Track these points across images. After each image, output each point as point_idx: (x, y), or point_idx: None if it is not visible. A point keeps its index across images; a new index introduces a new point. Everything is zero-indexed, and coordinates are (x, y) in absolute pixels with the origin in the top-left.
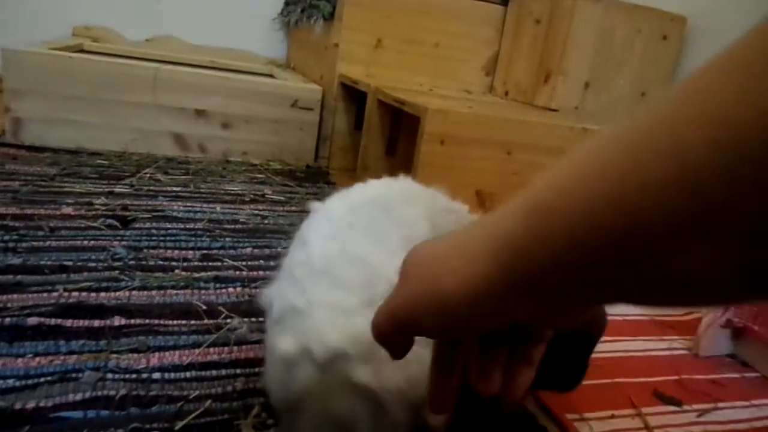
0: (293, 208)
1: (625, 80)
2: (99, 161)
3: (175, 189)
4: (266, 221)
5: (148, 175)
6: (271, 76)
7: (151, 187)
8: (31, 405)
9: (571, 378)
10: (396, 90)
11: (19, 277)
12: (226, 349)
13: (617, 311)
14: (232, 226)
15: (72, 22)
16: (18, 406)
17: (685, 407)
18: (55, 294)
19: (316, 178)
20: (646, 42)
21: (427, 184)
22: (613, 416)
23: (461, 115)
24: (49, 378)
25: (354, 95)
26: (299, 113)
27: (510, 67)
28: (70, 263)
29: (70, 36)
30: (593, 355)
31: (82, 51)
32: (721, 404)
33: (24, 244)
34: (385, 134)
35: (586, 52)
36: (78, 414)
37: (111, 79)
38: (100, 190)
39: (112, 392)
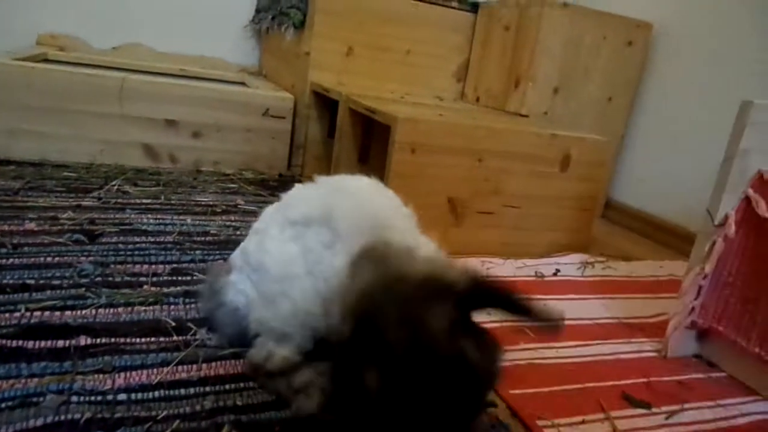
0: None
1: (593, 86)
2: (65, 174)
3: (144, 201)
4: (238, 232)
5: (116, 187)
6: (243, 84)
7: (119, 200)
8: None
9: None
10: (367, 98)
11: None
12: (194, 366)
13: (588, 315)
14: (203, 239)
15: (37, 30)
16: None
17: (654, 410)
18: (17, 314)
19: (289, 187)
20: (612, 48)
21: (399, 192)
22: (583, 422)
23: (431, 124)
24: (9, 403)
25: (326, 103)
26: (271, 122)
27: (481, 73)
28: (33, 281)
29: (34, 44)
30: (566, 360)
31: (47, 60)
32: (687, 405)
33: None
34: (357, 142)
35: (554, 58)
36: None
37: (76, 90)
38: (66, 203)
39: (77, 416)
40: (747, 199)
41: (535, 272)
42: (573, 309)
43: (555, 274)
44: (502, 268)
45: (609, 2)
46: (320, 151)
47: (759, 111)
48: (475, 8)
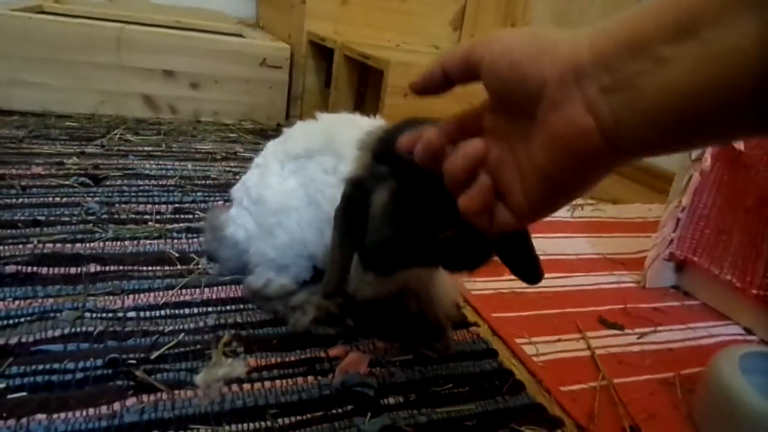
0: None
1: (588, 26)
2: (68, 123)
3: (146, 149)
4: (237, 177)
5: (118, 136)
6: (240, 35)
7: (122, 147)
8: (13, 340)
9: (533, 267)
10: (362, 45)
11: None
12: (197, 290)
13: (573, 251)
14: (204, 182)
15: None
16: (1, 341)
17: (627, 331)
18: (30, 246)
19: None
20: None
21: None
22: (559, 340)
23: (423, 68)
24: (29, 318)
25: (323, 54)
26: (268, 72)
27: (477, 20)
28: (43, 218)
29: None
30: (548, 289)
31: (42, 12)
32: (660, 328)
33: None
34: (353, 90)
35: (548, 1)
36: (58, 347)
37: (74, 41)
38: (71, 151)
39: (90, 328)
40: None
41: None
42: (559, 246)
43: None
44: None
45: None
46: (318, 101)
47: None
48: None
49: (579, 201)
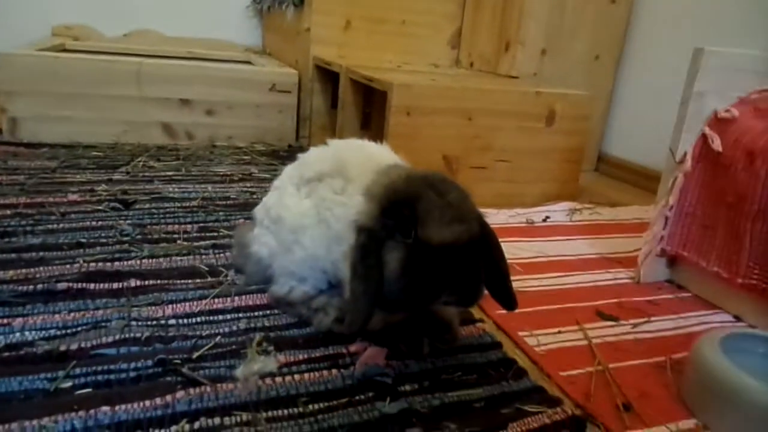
0: None
1: (580, 45)
2: (94, 153)
3: (168, 173)
4: (255, 196)
5: (141, 163)
6: (248, 62)
7: (146, 173)
8: (73, 347)
9: (509, 297)
10: (366, 68)
11: (41, 253)
12: (228, 299)
13: (572, 252)
14: (224, 202)
15: (51, 22)
16: (63, 348)
17: (622, 322)
18: (76, 265)
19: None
20: (596, 7)
21: (397, 151)
22: (559, 332)
23: (424, 88)
24: (84, 327)
25: (329, 76)
26: (278, 96)
27: (473, 39)
28: (84, 240)
29: (49, 35)
30: (548, 288)
31: (65, 50)
32: (653, 318)
33: (40, 227)
34: (359, 110)
35: (540, 20)
36: (112, 351)
37: (97, 76)
38: (100, 178)
39: (138, 334)
40: (704, 137)
41: (526, 219)
42: (559, 248)
43: (545, 220)
44: (496, 217)
45: None
46: (325, 122)
47: (711, 57)
48: None
49: (577, 206)
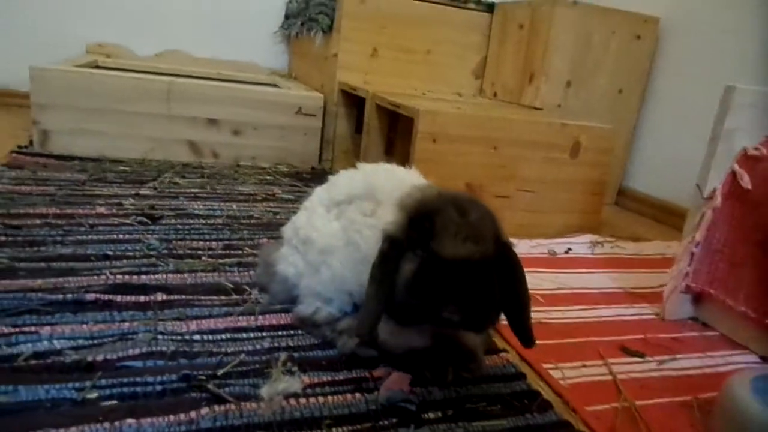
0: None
1: (603, 78)
2: (122, 168)
3: (193, 190)
4: (278, 216)
5: (167, 179)
6: (274, 85)
7: (172, 189)
8: (100, 358)
9: (527, 334)
10: (392, 95)
11: (70, 263)
12: (252, 317)
13: (595, 286)
14: (248, 221)
15: (85, 41)
16: (90, 358)
17: (648, 358)
18: (103, 277)
19: (321, 179)
20: (621, 42)
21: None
22: (584, 365)
23: (450, 116)
24: (110, 338)
25: (353, 101)
26: (303, 119)
27: (497, 69)
28: (111, 253)
29: (84, 53)
30: (572, 320)
31: (97, 67)
32: (679, 356)
33: (70, 238)
34: (383, 135)
35: (566, 53)
36: (138, 363)
37: (128, 93)
38: (127, 192)
39: (164, 348)
40: (732, 174)
41: (548, 250)
42: (581, 280)
43: (566, 252)
44: (517, 248)
45: None
46: (348, 146)
47: (741, 95)
48: (491, 8)
49: (599, 239)
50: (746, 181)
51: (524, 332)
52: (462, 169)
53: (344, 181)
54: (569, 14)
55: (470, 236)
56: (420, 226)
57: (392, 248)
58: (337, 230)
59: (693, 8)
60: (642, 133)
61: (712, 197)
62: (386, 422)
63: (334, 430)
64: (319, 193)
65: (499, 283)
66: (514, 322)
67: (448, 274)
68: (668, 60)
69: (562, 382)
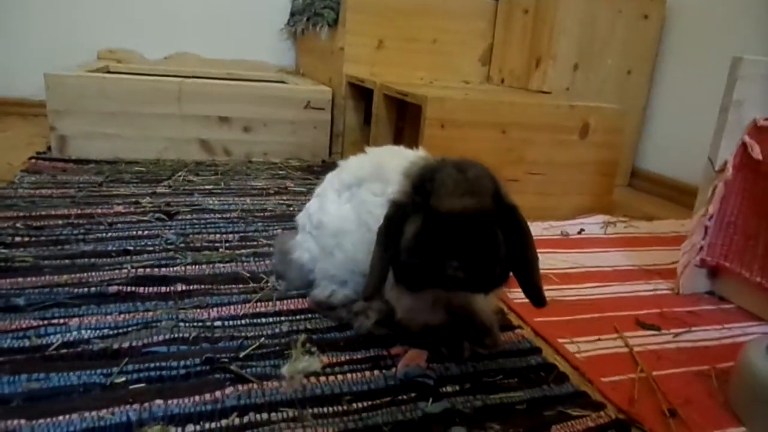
0: None
1: (611, 59)
2: (137, 168)
3: (207, 187)
4: (291, 208)
5: (182, 177)
6: (283, 82)
7: (187, 187)
8: (125, 345)
9: (537, 293)
10: (399, 84)
11: (92, 259)
12: (270, 303)
13: (609, 264)
14: (262, 214)
15: (96, 47)
16: (116, 346)
17: (663, 331)
18: (124, 270)
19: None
20: (628, 22)
21: None
22: (599, 339)
23: (457, 102)
24: (135, 327)
25: (361, 93)
26: (312, 113)
27: (504, 56)
28: (131, 248)
29: (95, 59)
30: (586, 297)
31: (109, 72)
32: (695, 328)
33: (91, 236)
34: (392, 125)
35: (572, 36)
36: (163, 349)
37: (140, 96)
38: (143, 192)
39: (186, 334)
40: (743, 145)
41: (561, 231)
42: (595, 259)
43: (579, 233)
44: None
45: None
46: (357, 137)
47: (749, 66)
48: None
49: (611, 219)
50: (757, 152)
51: (533, 291)
52: (471, 155)
53: (353, 164)
54: None
55: (467, 191)
56: (422, 189)
57: (396, 212)
58: (349, 212)
59: None
60: (652, 113)
61: (724, 170)
62: (405, 396)
63: (354, 405)
64: (330, 178)
65: (505, 242)
66: (523, 282)
67: (447, 229)
68: (676, 38)
69: (577, 355)
